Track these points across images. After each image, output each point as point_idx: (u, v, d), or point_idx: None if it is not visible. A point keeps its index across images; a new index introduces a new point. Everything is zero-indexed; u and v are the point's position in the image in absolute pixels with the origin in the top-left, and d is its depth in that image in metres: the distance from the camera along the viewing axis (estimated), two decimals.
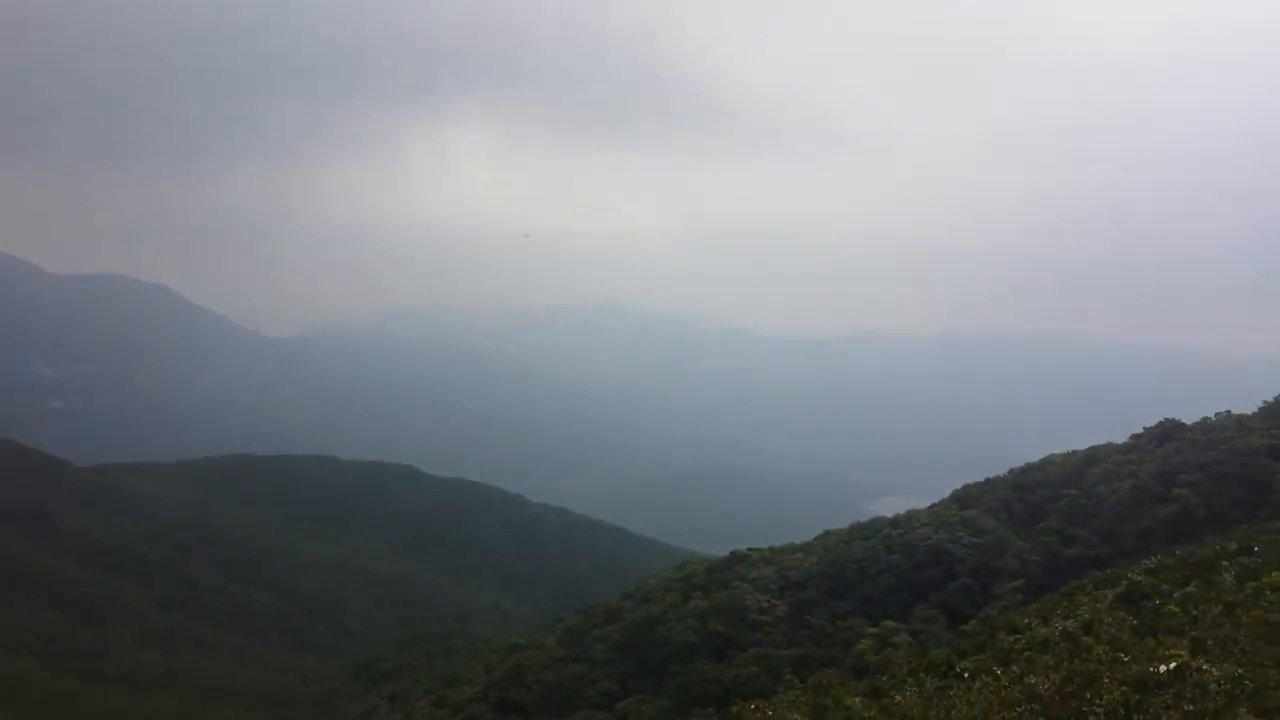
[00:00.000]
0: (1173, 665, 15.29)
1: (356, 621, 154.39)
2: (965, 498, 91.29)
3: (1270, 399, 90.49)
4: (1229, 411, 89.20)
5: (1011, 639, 33.09)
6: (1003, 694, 18.81)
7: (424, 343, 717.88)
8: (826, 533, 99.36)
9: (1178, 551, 40.18)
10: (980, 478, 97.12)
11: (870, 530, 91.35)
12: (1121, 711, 13.90)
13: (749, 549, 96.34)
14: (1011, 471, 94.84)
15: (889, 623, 69.16)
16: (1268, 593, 23.78)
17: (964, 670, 26.12)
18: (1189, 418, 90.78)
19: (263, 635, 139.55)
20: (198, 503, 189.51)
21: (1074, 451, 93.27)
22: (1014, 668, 24.28)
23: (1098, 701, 14.77)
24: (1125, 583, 35.41)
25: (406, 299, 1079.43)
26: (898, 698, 22.92)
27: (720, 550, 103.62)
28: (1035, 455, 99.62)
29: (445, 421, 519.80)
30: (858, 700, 23.89)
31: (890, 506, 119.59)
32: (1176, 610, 27.01)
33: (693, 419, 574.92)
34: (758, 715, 27.31)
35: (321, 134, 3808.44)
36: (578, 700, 76.35)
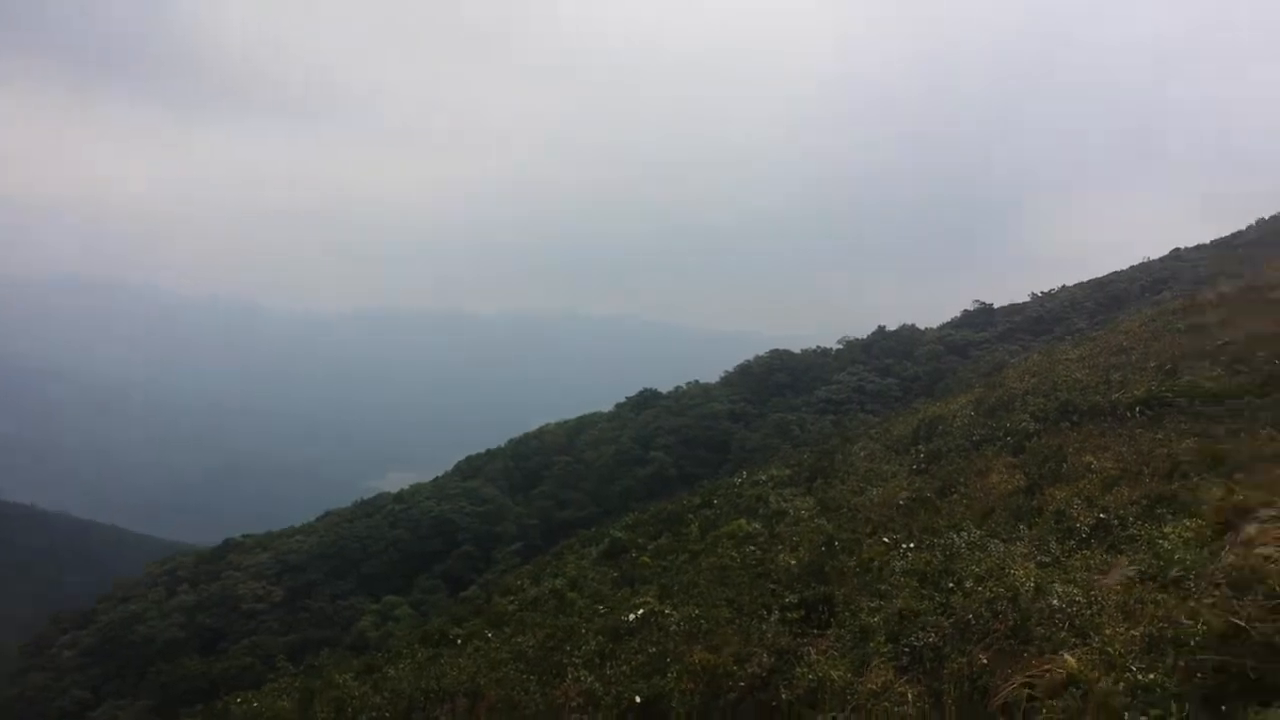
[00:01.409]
0: (641, 612, 16.27)
1: None
2: (468, 468, 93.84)
3: (730, 369, 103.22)
4: (697, 381, 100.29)
5: (505, 601, 34.16)
6: (492, 655, 19.06)
7: None
8: (329, 513, 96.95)
9: (652, 508, 43.85)
10: (482, 449, 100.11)
11: (374, 507, 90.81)
12: (597, 660, 14.53)
13: (243, 536, 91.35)
14: (511, 442, 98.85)
15: (391, 597, 69.19)
16: (724, 540, 26.41)
17: (458, 636, 26.37)
18: (668, 387, 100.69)
19: None
20: None
21: (566, 421, 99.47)
22: (506, 629, 24.92)
23: (576, 652, 15.37)
24: (608, 539, 38.03)
25: None
26: (390, 671, 22.44)
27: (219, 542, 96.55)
28: (534, 426, 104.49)
29: None
30: (350, 678, 23.04)
31: (396, 482, 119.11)
32: (650, 561, 29.35)
33: (185, 403, 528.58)
34: (244, 707, 25.49)
35: None
36: (44, 712, 67.73)
